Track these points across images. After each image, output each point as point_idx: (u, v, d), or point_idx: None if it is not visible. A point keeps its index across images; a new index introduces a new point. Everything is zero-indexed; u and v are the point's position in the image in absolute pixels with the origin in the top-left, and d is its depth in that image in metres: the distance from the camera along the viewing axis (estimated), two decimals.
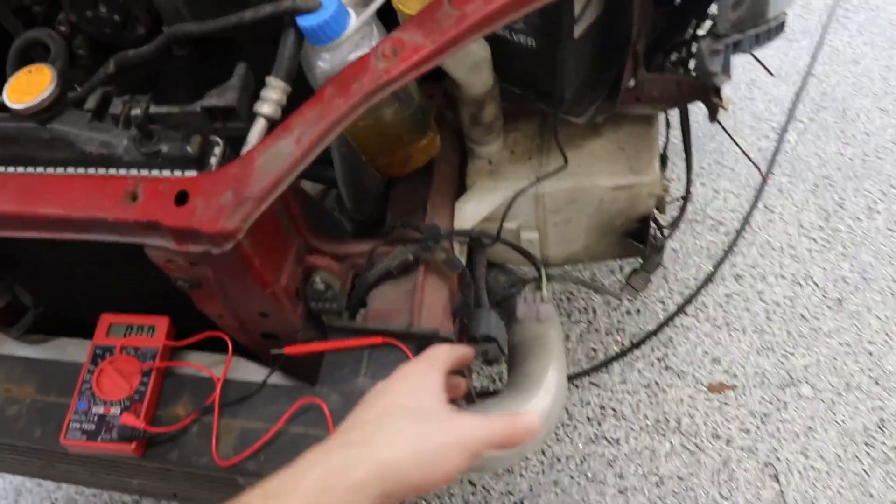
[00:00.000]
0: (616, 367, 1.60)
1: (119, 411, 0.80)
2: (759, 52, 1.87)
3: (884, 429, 1.46)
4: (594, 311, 1.67)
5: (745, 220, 1.71)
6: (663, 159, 1.02)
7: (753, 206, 1.73)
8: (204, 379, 0.84)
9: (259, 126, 0.71)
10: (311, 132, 0.67)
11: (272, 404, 0.80)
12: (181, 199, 0.68)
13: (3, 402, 0.87)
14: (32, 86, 0.72)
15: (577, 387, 1.59)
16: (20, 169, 0.77)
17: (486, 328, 0.88)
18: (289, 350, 0.82)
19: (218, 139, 0.73)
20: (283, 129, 0.68)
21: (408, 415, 0.59)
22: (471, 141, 0.96)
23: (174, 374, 0.85)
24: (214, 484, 0.90)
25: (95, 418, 0.80)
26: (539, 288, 0.87)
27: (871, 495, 1.41)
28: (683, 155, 1.18)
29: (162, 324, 0.85)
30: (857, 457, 1.44)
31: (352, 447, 0.56)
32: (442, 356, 0.66)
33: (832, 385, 1.50)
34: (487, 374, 1.62)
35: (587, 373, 1.60)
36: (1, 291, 0.85)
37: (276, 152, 0.67)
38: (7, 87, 0.72)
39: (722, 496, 1.43)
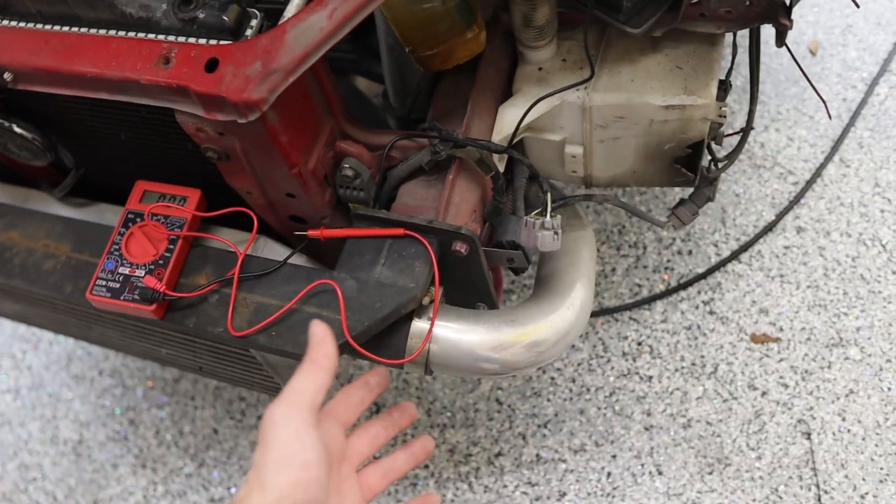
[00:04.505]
0: (659, 305, 1.57)
1: (143, 273, 0.82)
2: None
3: None
4: (644, 247, 1.63)
5: (818, 172, 1.63)
6: (725, 86, 0.97)
7: (829, 157, 1.64)
8: (228, 252, 0.85)
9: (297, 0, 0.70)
10: (344, 7, 0.65)
11: (290, 283, 0.81)
12: (211, 66, 0.68)
13: (41, 257, 0.91)
14: None
15: (616, 320, 1.57)
16: (65, 28, 0.78)
17: (514, 235, 0.86)
18: (312, 233, 0.82)
19: (256, 11, 0.72)
20: (317, 2, 0.66)
21: None
22: (522, 45, 0.92)
23: (200, 245, 0.87)
24: (233, 359, 0.93)
25: (121, 278, 0.82)
26: (542, 213, 0.84)
27: None
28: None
29: (194, 196, 0.86)
30: None
31: None
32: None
33: (883, 351, 1.44)
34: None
35: (629, 307, 1.57)
36: (43, 149, 0.87)
37: (307, 26, 0.66)
38: None
39: (749, 446, 1.41)
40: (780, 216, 1.60)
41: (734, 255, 1.58)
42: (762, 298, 1.53)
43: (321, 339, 0.67)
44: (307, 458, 0.61)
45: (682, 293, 1.57)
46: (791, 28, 0.80)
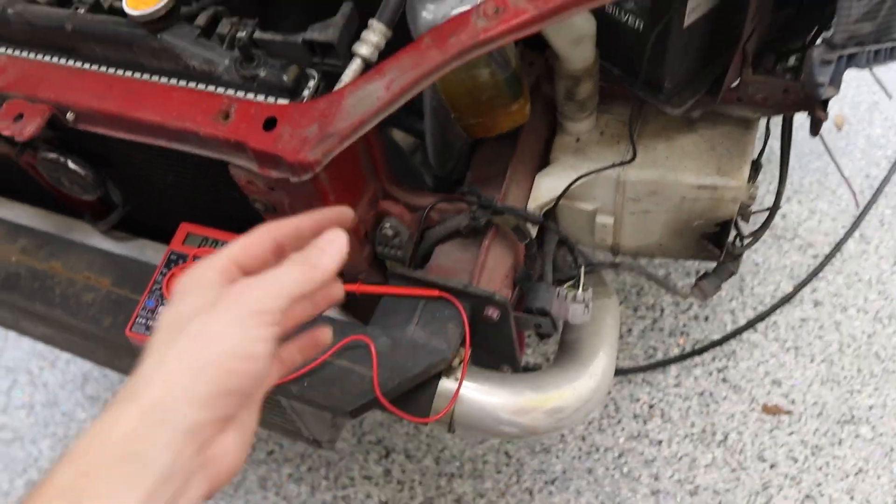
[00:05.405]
0: (673, 369, 1.58)
1: None
2: (888, 77, 1.78)
3: None
4: (661, 310, 1.64)
5: (837, 246, 1.65)
6: (756, 167, 0.99)
7: (849, 232, 1.66)
8: None
9: (355, 66, 0.73)
10: (402, 79, 0.68)
11: None
12: (269, 124, 0.70)
13: (81, 289, 0.93)
14: None
15: (629, 382, 1.58)
16: (128, 73, 0.81)
17: (544, 302, 0.88)
18: (348, 287, 0.84)
19: (314, 73, 0.75)
20: (376, 72, 0.69)
21: (183, 330, 0.52)
22: (562, 116, 0.95)
23: None
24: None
25: None
26: (575, 286, 0.86)
27: None
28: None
29: None
30: None
31: (115, 404, 0.50)
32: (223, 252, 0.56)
33: (895, 431, 1.45)
34: (542, 353, 1.63)
35: (643, 369, 1.58)
36: (94, 185, 0.89)
37: (365, 94, 0.68)
38: None
39: None
40: (798, 288, 1.61)
41: (750, 324, 1.59)
42: (776, 369, 1.54)
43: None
44: (255, 351, 0.51)
45: (697, 359, 1.58)
46: (826, 120, 0.83)
